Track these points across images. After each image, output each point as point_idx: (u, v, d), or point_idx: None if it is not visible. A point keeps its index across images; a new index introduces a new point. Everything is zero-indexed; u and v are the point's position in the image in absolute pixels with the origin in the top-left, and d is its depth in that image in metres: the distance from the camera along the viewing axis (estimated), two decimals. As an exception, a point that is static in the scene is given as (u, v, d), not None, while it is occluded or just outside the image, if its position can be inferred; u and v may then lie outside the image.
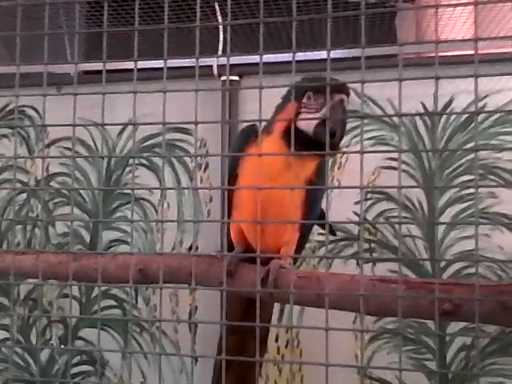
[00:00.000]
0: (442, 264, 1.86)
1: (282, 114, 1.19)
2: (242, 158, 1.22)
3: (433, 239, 1.87)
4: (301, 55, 1.97)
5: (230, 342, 1.39)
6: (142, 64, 1.90)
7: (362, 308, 0.70)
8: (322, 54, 2.01)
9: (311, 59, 1.96)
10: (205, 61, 1.95)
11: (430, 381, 1.80)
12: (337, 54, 1.96)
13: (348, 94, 1.15)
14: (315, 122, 1.14)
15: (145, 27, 0.69)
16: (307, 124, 1.14)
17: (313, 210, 1.26)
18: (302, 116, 1.15)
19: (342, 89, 1.14)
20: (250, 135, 1.21)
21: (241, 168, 1.22)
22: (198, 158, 2.01)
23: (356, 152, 0.68)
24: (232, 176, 1.23)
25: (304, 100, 1.16)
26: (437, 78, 0.69)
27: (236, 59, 1.96)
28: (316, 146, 0.75)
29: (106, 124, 0.71)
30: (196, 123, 0.69)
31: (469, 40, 0.71)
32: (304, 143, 1.02)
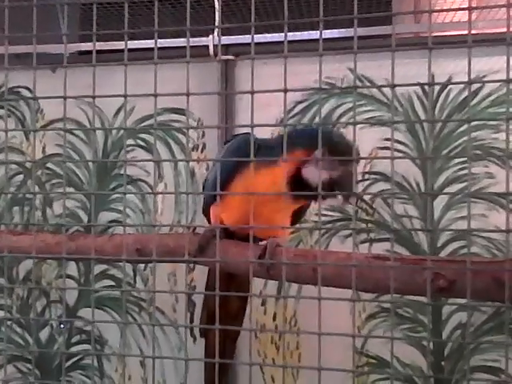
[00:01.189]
0: (439, 244, 1.86)
1: (291, 154, 1.14)
2: (238, 171, 1.25)
3: (430, 219, 1.87)
4: (297, 35, 1.97)
5: (214, 303, 1.45)
6: (137, 44, 1.89)
7: (354, 279, 0.71)
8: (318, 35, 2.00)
9: (307, 39, 1.95)
10: (201, 41, 1.94)
11: (425, 358, 1.82)
12: (333, 33, 1.94)
13: (358, 163, 1.24)
14: (321, 178, 1.13)
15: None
16: (313, 177, 1.18)
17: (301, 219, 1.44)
18: (310, 166, 1.20)
19: (356, 159, 1.19)
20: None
21: (236, 176, 1.25)
22: (195, 138, 2.01)
23: (350, 123, 0.68)
24: (228, 178, 1.26)
25: (316, 153, 1.16)
26: (430, 49, 0.69)
27: (232, 39, 1.94)
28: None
29: (97, 96, 0.70)
30: (188, 94, 0.68)
31: (463, 9, 0.70)
32: (301, 187, 1.15)
